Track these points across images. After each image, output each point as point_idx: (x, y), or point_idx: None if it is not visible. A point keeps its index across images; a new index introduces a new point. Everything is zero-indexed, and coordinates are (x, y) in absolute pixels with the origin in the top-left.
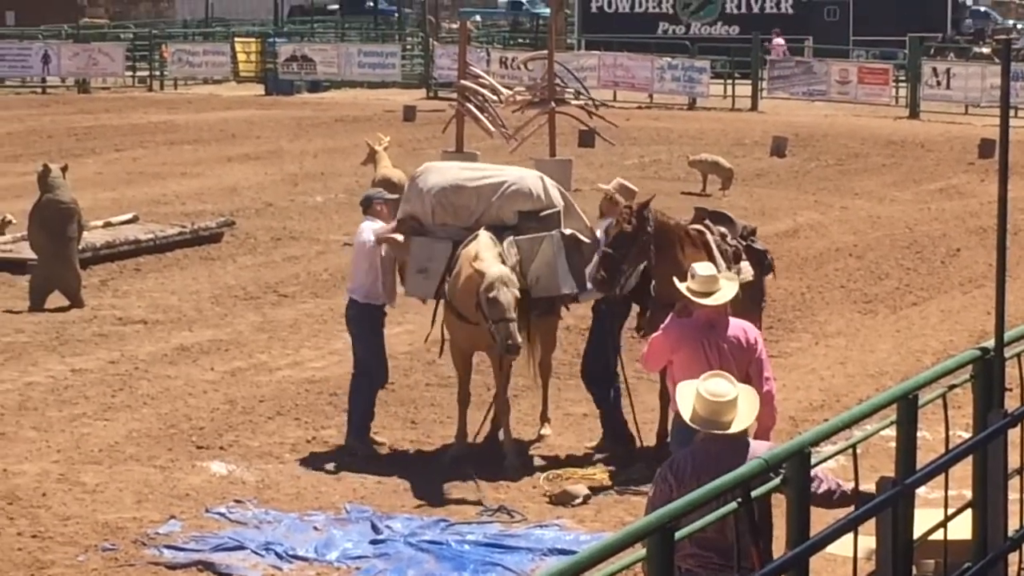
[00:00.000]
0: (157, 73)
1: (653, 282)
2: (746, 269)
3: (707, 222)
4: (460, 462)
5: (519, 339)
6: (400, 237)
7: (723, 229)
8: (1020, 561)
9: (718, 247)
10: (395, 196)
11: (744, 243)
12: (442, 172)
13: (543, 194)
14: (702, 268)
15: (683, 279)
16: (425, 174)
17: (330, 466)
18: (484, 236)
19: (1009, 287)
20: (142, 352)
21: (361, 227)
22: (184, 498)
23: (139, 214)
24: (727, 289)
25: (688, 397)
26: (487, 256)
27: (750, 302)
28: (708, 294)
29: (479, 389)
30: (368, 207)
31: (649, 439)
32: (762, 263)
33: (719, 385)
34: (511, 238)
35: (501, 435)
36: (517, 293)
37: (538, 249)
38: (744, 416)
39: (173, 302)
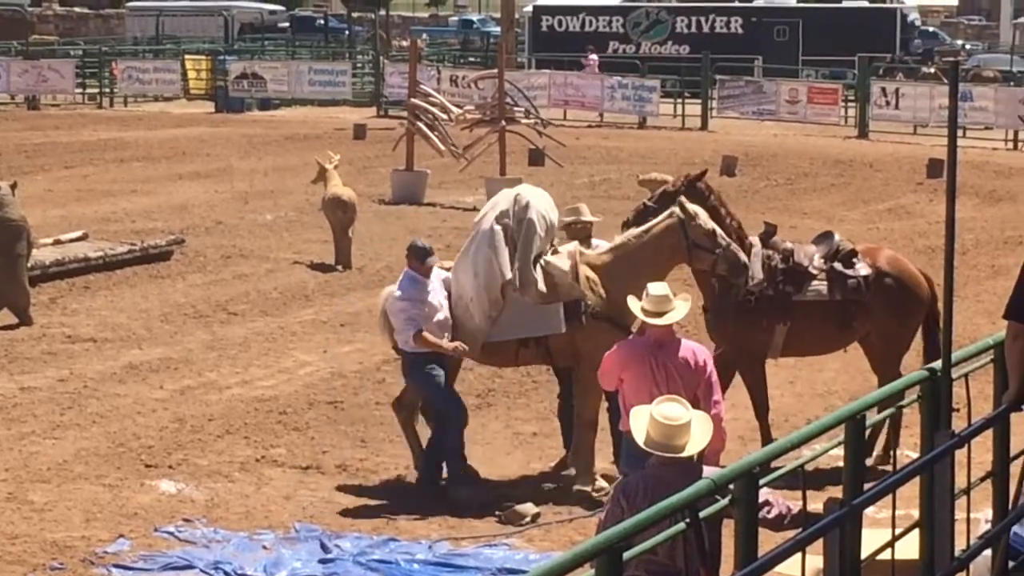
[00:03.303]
0: (107, 90)
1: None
2: (815, 288)
3: (776, 238)
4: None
5: None
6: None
7: (789, 245)
8: None
9: (765, 262)
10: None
11: (828, 264)
12: (542, 199)
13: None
14: (655, 288)
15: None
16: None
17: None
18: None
19: (957, 307)
20: (91, 370)
21: (415, 281)
22: (133, 517)
23: (89, 232)
24: (678, 310)
25: (642, 421)
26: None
27: (832, 326)
28: (659, 314)
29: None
30: (424, 260)
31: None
32: (843, 287)
33: (673, 409)
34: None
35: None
36: None
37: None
38: (697, 440)
39: (122, 320)
